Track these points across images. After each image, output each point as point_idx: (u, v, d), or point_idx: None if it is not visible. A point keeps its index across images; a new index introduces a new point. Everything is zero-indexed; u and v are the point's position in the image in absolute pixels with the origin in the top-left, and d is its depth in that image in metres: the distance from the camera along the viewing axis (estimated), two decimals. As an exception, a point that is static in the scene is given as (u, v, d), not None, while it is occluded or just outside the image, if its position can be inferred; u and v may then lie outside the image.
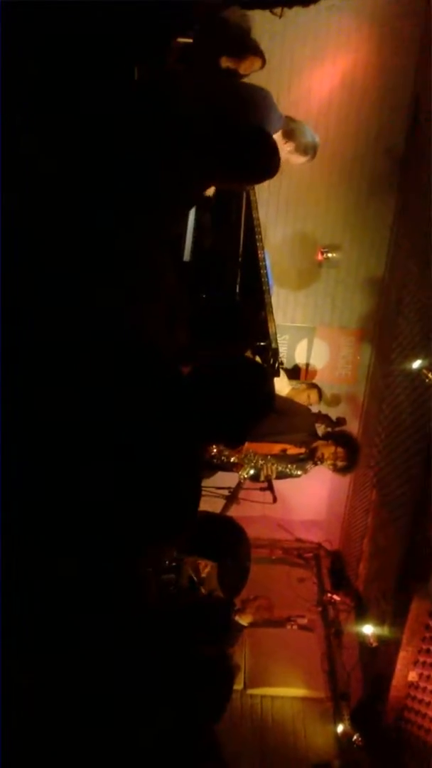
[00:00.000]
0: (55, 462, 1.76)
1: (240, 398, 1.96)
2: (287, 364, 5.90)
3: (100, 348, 1.85)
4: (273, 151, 2.56)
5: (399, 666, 4.22)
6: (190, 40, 3.98)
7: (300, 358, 6.10)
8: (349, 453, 4.72)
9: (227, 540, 3.01)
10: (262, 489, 4.49)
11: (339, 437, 4.82)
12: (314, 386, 5.34)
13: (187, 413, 1.87)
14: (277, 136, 3.75)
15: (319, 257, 5.71)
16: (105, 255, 2.08)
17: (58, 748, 1.98)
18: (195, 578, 3.87)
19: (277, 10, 3.84)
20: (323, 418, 5.08)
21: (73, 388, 1.81)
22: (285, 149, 3.77)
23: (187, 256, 3.53)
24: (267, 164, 2.56)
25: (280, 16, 3.90)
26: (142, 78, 2.85)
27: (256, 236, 3.97)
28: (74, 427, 1.78)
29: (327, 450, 4.68)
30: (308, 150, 3.82)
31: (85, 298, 1.96)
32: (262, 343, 3.93)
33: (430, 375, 3.88)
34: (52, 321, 1.89)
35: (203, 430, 1.96)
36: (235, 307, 3.54)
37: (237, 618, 4.25)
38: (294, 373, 6.01)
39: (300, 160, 3.89)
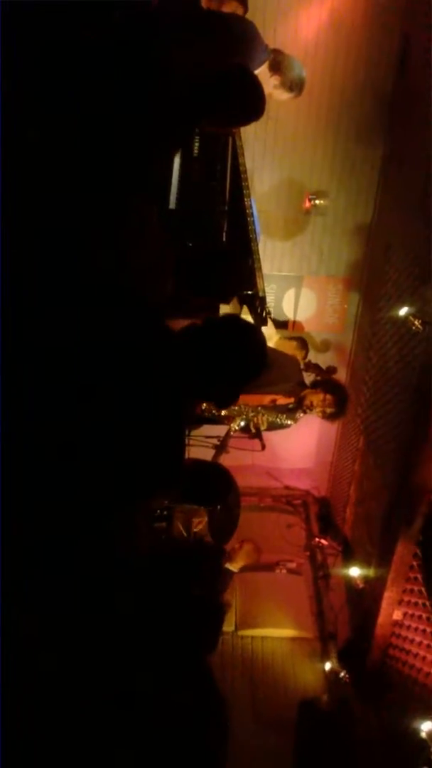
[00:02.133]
0: (45, 414, 1.77)
1: (231, 361, 1.95)
2: (274, 314, 5.89)
3: (86, 302, 1.84)
4: (257, 90, 2.50)
5: (384, 605, 4.36)
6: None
7: (287, 307, 6.08)
8: (338, 399, 4.77)
9: (216, 487, 3.06)
10: (250, 437, 4.55)
11: (327, 384, 4.86)
12: (303, 345, 5.34)
13: (177, 373, 1.87)
14: (263, 69, 3.65)
15: (307, 204, 5.64)
16: (86, 202, 2.04)
17: (58, 686, 2.05)
18: (186, 528, 3.95)
19: None
20: (314, 367, 5.10)
21: (62, 346, 1.80)
22: (270, 83, 3.66)
23: (172, 204, 3.48)
24: (251, 104, 2.50)
25: None
26: (120, 19, 2.76)
27: (243, 183, 3.91)
28: (62, 383, 1.78)
29: (316, 397, 4.73)
30: (294, 86, 3.71)
31: (66, 249, 1.93)
32: (249, 292, 3.93)
33: (416, 322, 3.89)
34: (34, 276, 1.87)
35: (192, 390, 1.96)
36: (222, 255, 3.51)
37: (227, 565, 4.36)
38: (281, 322, 6.01)
39: (285, 95, 3.78)
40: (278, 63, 3.66)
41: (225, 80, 2.39)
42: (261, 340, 2.02)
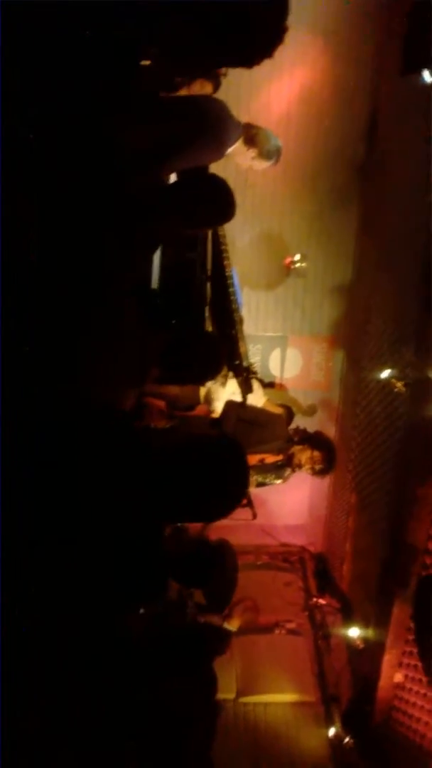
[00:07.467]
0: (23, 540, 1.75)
1: (211, 491, 1.93)
2: (261, 374, 5.97)
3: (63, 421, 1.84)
4: (225, 195, 2.58)
5: (384, 668, 4.30)
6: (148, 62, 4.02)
7: (274, 367, 6.17)
8: (325, 455, 4.81)
9: (210, 566, 3.05)
10: (241, 506, 4.56)
11: (314, 440, 4.90)
12: (288, 413, 5.37)
13: (154, 495, 1.87)
14: (239, 144, 3.80)
15: (287, 262, 5.76)
16: (61, 307, 2.05)
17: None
18: (182, 592, 3.92)
19: (223, 70, 3.91)
20: (301, 432, 5.13)
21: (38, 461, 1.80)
22: (248, 155, 3.80)
23: (154, 283, 3.57)
24: (220, 211, 2.57)
25: (225, 75, 3.97)
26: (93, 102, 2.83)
27: (223, 254, 4.02)
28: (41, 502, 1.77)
29: (303, 455, 4.78)
30: (271, 155, 3.83)
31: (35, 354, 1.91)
32: (236, 362, 4.00)
33: (399, 384, 3.95)
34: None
35: (167, 512, 1.97)
36: (205, 333, 3.58)
37: (225, 624, 4.31)
38: (268, 383, 6.08)
39: (263, 165, 3.90)
40: (252, 137, 3.79)
41: (194, 186, 2.46)
42: (243, 465, 2.00)
